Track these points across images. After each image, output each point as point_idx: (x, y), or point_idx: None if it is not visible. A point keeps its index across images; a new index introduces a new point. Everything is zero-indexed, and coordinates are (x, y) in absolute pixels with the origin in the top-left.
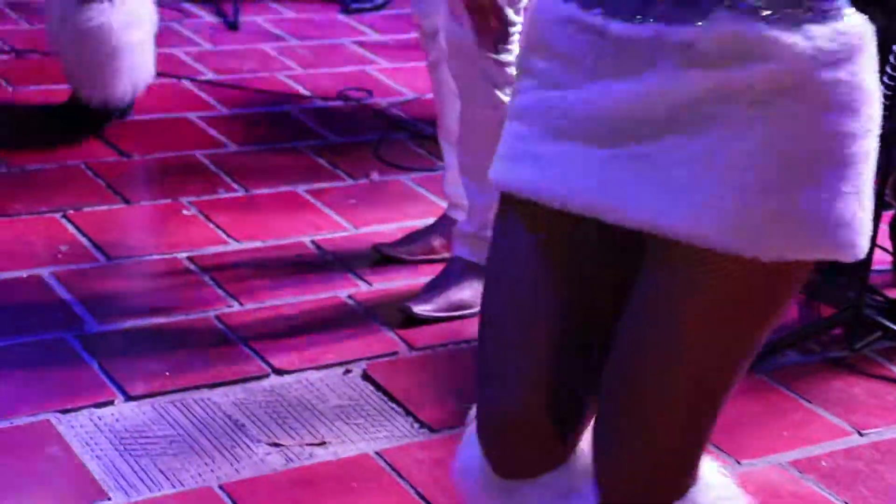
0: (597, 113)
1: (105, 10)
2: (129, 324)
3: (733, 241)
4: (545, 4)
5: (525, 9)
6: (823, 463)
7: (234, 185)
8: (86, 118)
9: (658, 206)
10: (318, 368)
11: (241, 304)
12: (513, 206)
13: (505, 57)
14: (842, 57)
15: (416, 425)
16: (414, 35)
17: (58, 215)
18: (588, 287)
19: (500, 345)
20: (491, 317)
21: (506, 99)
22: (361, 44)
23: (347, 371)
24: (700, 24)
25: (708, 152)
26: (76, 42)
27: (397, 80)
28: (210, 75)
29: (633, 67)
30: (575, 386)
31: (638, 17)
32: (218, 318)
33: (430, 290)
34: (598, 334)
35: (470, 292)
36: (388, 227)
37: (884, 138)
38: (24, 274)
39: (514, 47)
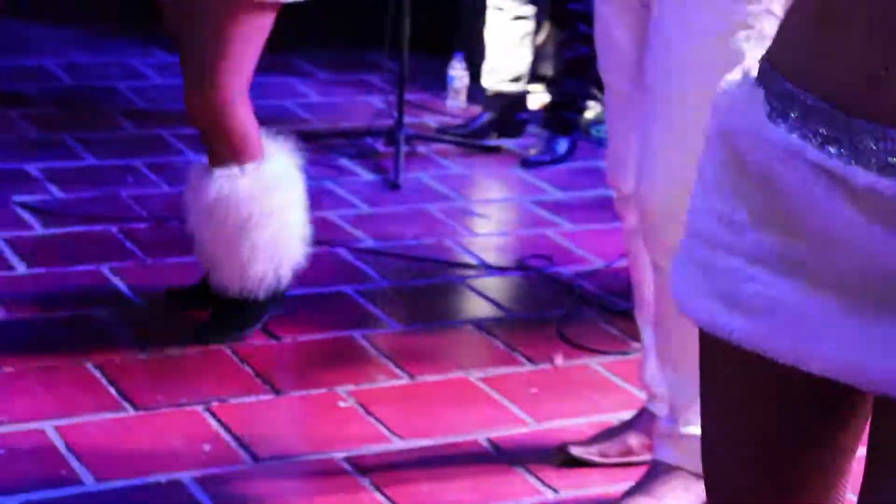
0: (862, 266)
1: (234, 177)
2: None
3: None
4: (739, 120)
5: None
6: None
7: (397, 371)
8: (222, 309)
9: None
10: None
11: None
12: (716, 352)
13: None
14: None
15: None
16: (601, 192)
17: (200, 408)
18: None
19: None
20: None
21: None
22: (541, 203)
23: None
24: None
25: None
26: (205, 214)
27: (583, 246)
28: (369, 242)
29: None
30: None
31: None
32: None
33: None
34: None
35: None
36: (575, 422)
37: None
38: (163, 479)
39: None
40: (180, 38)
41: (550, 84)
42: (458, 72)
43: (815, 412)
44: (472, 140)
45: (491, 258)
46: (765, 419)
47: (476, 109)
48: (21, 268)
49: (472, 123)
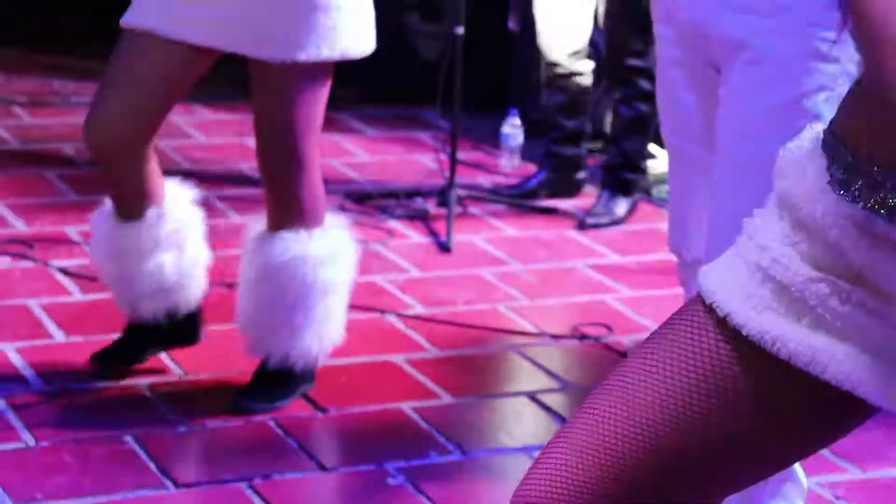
0: None
1: (301, 240)
2: None
3: None
4: (801, 187)
5: None
6: None
7: (450, 447)
8: (265, 378)
9: None
10: None
11: None
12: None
13: None
14: None
15: None
16: (662, 256)
17: (243, 485)
18: None
19: None
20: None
21: None
22: (599, 267)
23: None
24: None
25: None
26: (264, 279)
27: (644, 314)
28: (418, 308)
29: None
30: None
31: None
32: None
33: None
34: None
35: None
36: None
37: None
38: None
39: None
40: (254, 104)
41: (609, 143)
42: (512, 129)
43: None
44: (526, 200)
45: (546, 326)
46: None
47: (531, 168)
48: (59, 335)
49: (526, 183)
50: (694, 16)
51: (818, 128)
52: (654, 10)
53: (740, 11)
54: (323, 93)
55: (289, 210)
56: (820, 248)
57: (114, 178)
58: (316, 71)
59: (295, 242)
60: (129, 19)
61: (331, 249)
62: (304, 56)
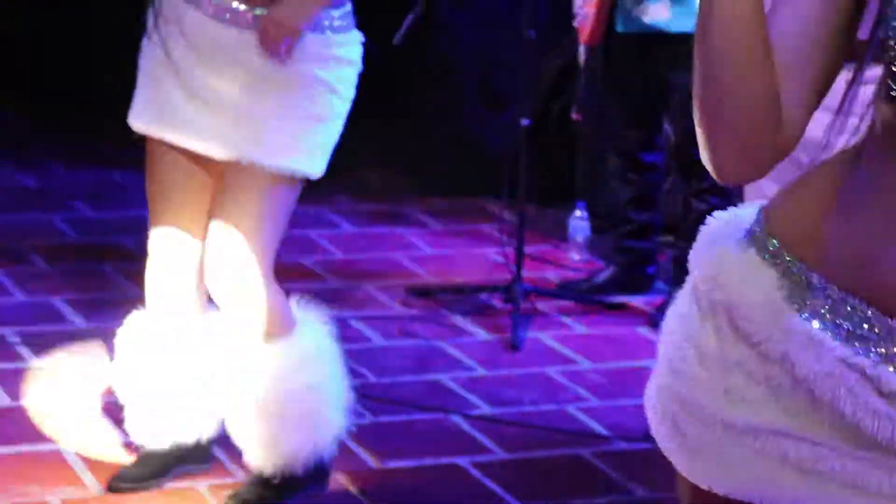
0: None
1: (272, 352)
2: None
3: None
4: (749, 297)
5: None
6: None
7: None
8: (258, 486)
9: None
10: None
11: None
12: None
13: None
14: None
15: None
16: None
17: None
18: None
19: None
20: None
21: None
22: None
23: None
24: None
25: None
26: (234, 392)
27: None
28: (484, 408)
29: None
30: None
31: None
32: None
33: None
34: None
35: None
36: None
37: None
38: None
39: None
40: (213, 210)
41: (680, 237)
42: (579, 222)
43: None
44: (595, 296)
45: (617, 428)
46: None
47: (600, 262)
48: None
49: (595, 278)
50: None
51: (751, 224)
52: None
53: None
54: (290, 206)
55: (253, 323)
56: (777, 377)
57: (157, 281)
58: (286, 184)
59: (266, 355)
60: (137, 121)
61: (302, 354)
62: (295, 165)
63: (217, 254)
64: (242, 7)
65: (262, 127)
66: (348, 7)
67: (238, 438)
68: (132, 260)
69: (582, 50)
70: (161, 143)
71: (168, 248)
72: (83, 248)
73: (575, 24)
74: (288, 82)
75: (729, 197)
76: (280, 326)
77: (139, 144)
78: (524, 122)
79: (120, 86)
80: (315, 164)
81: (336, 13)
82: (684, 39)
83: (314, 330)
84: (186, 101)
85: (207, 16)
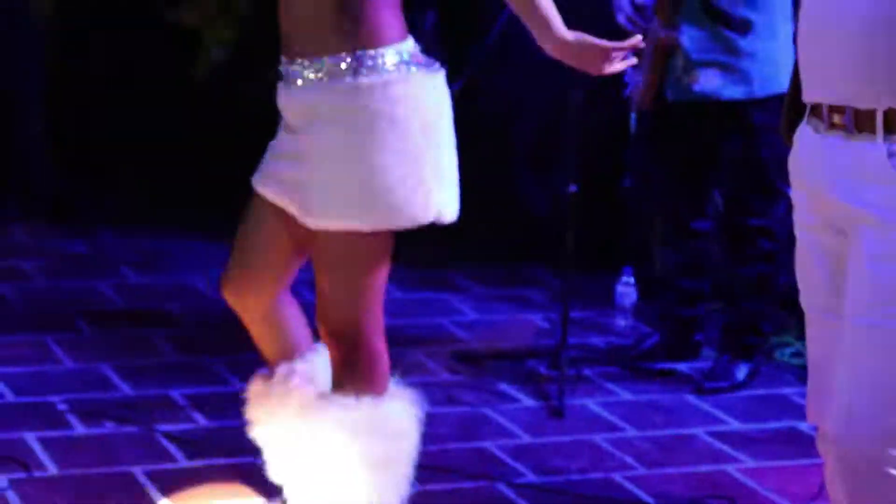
0: None
1: (349, 405)
2: None
3: None
4: None
5: None
6: None
7: None
8: None
9: None
10: None
11: None
12: None
13: None
14: None
15: None
16: (787, 423)
17: None
18: None
19: None
20: None
21: None
22: (719, 435)
23: None
24: None
25: None
26: (306, 442)
27: (769, 485)
28: (530, 476)
29: None
30: None
31: None
32: None
33: None
34: None
35: None
36: None
37: None
38: None
39: None
40: (318, 268)
41: (729, 304)
42: (626, 288)
43: None
44: (642, 363)
45: (665, 497)
46: None
47: (647, 329)
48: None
49: (641, 344)
50: (817, 180)
51: None
52: (791, 174)
53: (859, 178)
54: (388, 256)
55: (343, 374)
56: None
57: (252, 335)
58: (381, 239)
59: (341, 406)
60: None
61: (382, 421)
62: (367, 223)
63: (319, 314)
64: (297, 68)
65: (314, 189)
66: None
67: (303, 492)
68: (179, 326)
69: (632, 116)
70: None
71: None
72: (130, 315)
73: (625, 91)
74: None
75: (776, 264)
76: (373, 385)
77: (187, 210)
78: (572, 188)
79: (167, 153)
80: (371, 216)
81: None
82: (734, 107)
83: (403, 397)
84: (274, 159)
85: (283, 81)
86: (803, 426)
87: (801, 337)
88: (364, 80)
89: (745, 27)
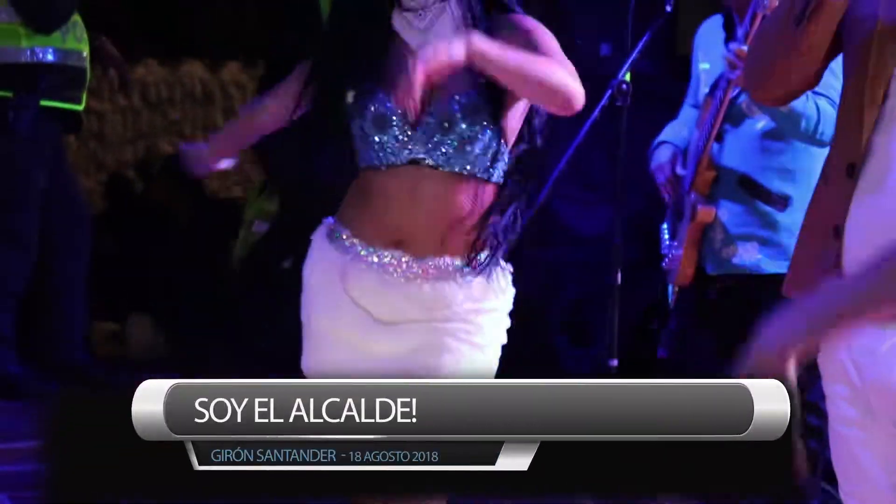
0: None
1: None
2: None
3: None
4: None
5: None
6: None
7: None
8: None
9: None
10: None
11: None
12: None
13: None
14: None
15: None
16: None
17: None
18: None
19: None
20: None
21: None
22: None
23: None
24: None
25: None
26: None
27: None
28: None
29: None
30: None
31: None
32: None
33: None
34: None
35: None
36: None
37: None
38: None
39: None
40: None
41: None
42: None
43: None
44: None
45: None
46: None
47: None
48: None
49: None
50: (882, 376)
51: None
52: (826, 369)
53: None
54: None
55: None
56: None
57: None
58: None
59: None
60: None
61: None
62: None
63: None
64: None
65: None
66: None
67: None
68: None
69: (671, 290)
70: None
71: None
72: None
73: (664, 265)
74: None
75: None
76: None
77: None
78: (612, 362)
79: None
80: None
81: None
82: (775, 280)
83: None
84: None
85: None
86: None
87: None
88: None
89: (783, 202)
